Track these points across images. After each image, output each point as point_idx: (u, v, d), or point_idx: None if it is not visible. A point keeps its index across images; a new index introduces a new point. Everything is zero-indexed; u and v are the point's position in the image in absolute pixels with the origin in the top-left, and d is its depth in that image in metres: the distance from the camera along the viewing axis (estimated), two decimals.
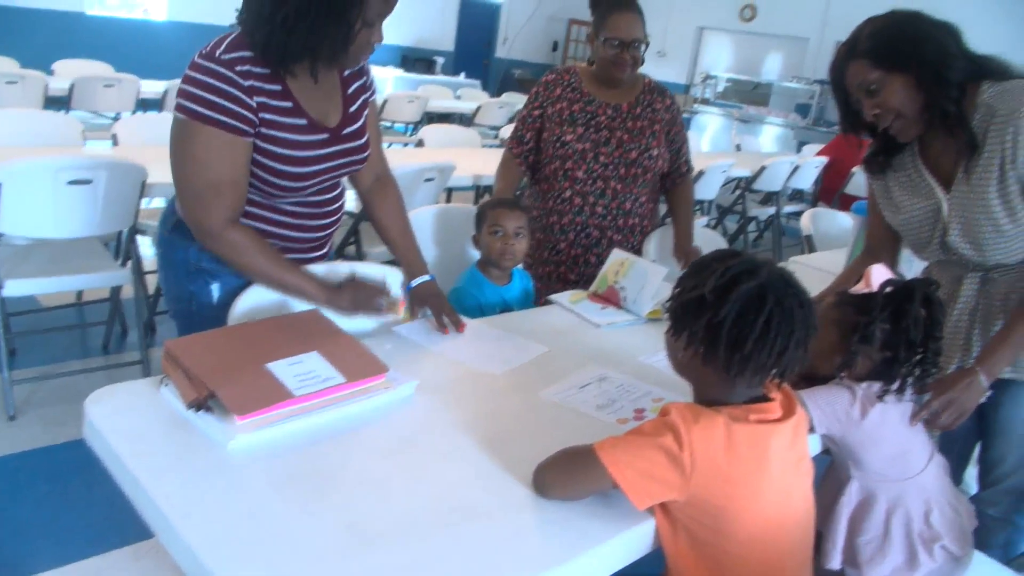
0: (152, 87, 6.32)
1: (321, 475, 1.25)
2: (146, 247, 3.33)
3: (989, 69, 1.74)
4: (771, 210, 6.44)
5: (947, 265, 1.93)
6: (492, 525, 1.18)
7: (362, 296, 1.76)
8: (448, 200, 4.56)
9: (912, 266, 2.14)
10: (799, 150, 8.66)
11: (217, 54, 1.59)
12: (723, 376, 1.24)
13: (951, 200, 1.80)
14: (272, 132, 1.67)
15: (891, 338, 1.56)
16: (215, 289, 1.80)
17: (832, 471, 1.74)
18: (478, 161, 4.23)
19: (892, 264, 2.05)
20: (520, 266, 2.43)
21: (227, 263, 1.71)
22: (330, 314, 1.67)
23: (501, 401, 1.60)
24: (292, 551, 1.07)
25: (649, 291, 2.15)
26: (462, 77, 11.78)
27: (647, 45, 2.55)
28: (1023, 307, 1.75)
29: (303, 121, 1.70)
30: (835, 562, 1.66)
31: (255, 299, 1.76)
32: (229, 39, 1.62)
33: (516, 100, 8.16)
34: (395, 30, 11.95)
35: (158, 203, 3.46)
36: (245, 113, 1.61)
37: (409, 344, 1.82)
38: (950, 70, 1.68)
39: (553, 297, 2.26)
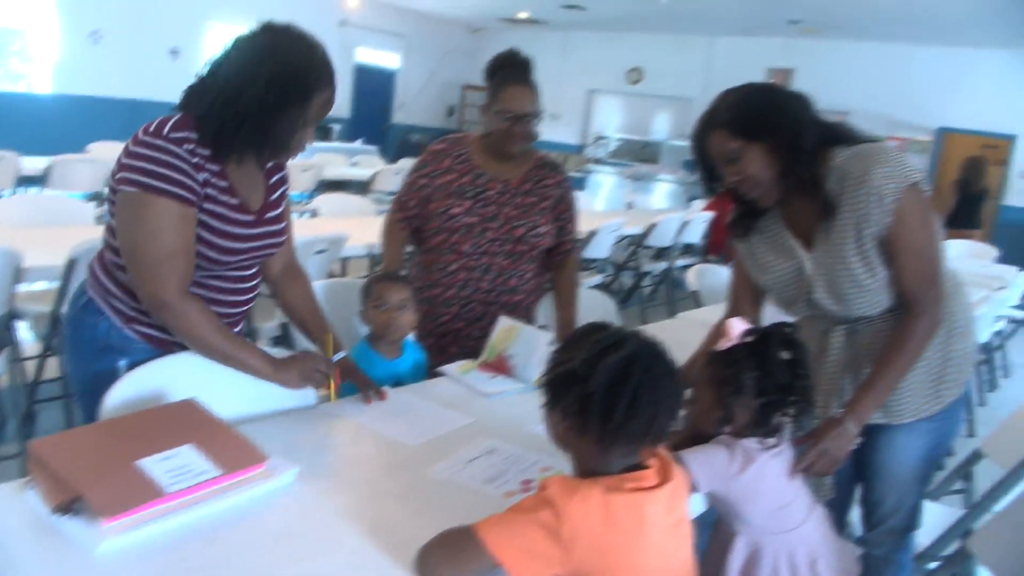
0: (34, 164, 6.11)
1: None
2: (24, 332, 3.19)
3: (839, 135, 1.85)
4: (664, 265, 6.62)
5: (814, 320, 2.02)
6: None
7: (308, 368, 1.83)
8: (343, 270, 4.52)
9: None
10: (689, 205, 8.96)
11: (164, 132, 1.66)
12: (598, 447, 1.27)
13: (813, 259, 1.90)
14: (210, 207, 1.74)
15: (761, 384, 1.61)
16: (123, 367, 1.79)
17: (720, 527, 1.77)
18: (372, 230, 4.19)
19: (756, 319, 2.12)
20: (412, 338, 2.42)
21: (177, 335, 1.74)
22: (205, 404, 1.63)
23: (386, 482, 1.58)
24: None
25: (537, 357, 2.17)
26: (359, 143, 11.81)
27: (540, 119, 2.53)
28: (884, 357, 1.84)
29: (236, 201, 1.78)
30: None
31: (129, 391, 1.70)
32: (173, 121, 1.68)
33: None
34: None
35: (40, 286, 3.32)
36: (193, 186, 1.68)
37: (297, 426, 1.79)
38: (804, 138, 1.78)
39: (443, 368, 2.26)
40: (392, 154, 13.06)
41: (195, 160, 1.68)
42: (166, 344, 1.81)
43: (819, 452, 1.75)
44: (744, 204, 1.95)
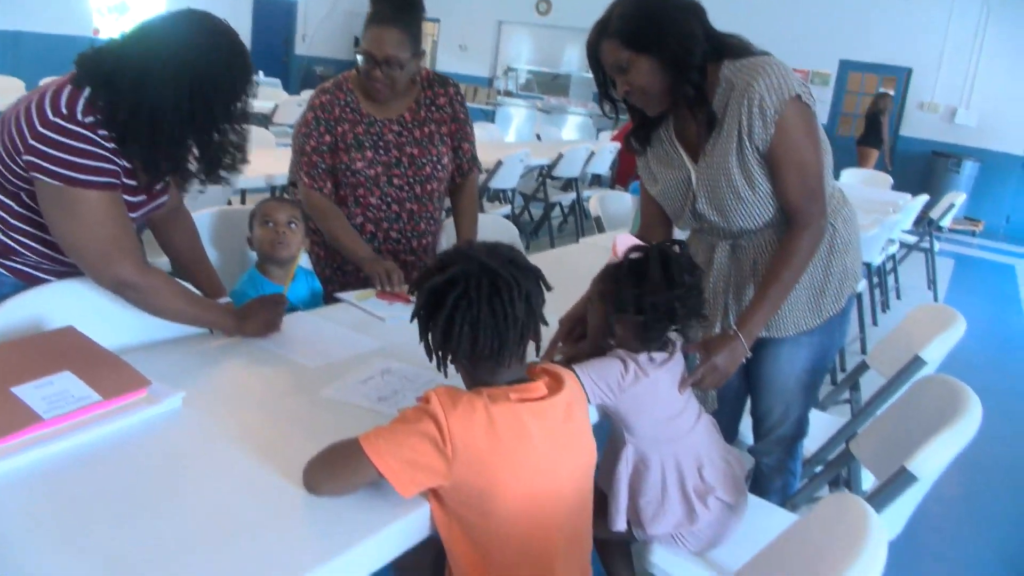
0: None
1: (77, 506, 1.16)
2: None
3: (729, 48, 1.84)
4: (573, 196, 6.66)
5: (701, 234, 2.06)
6: (261, 532, 1.15)
7: (269, 316, 1.87)
8: (243, 201, 4.40)
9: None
10: (598, 137, 8.99)
11: (77, 117, 1.56)
12: (456, 364, 1.32)
13: (698, 171, 1.92)
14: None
15: (640, 302, 1.63)
16: None
17: (612, 438, 1.81)
18: (270, 159, 4.10)
19: (667, 237, 2.15)
20: (310, 267, 2.37)
21: (145, 310, 1.72)
22: (86, 330, 1.57)
23: (277, 405, 1.56)
24: None
25: None
26: (260, 76, 11.41)
27: (409, 64, 2.31)
28: (770, 274, 1.87)
29: (134, 183, 1.71)
30: (620, 524, 1.73)
31: (5, 320, 1.62)
32: (81, 100, 1.57)
33: None
34: None
35: None
36: (115, 169, 1.62)
37: (188, 352, 1.75)
38: (691, 54, 1.77)
39: (340, 295, 2.22)
40: (296, 87, 12.70)
41: (111, 145, 1.60)
42: (36, 280, 1.75)
43: (710, 367, 1.79)
44: (639, 116, 1.96)
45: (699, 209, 1.94)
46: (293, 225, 2.18)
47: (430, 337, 1.30)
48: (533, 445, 1.26)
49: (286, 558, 1.10)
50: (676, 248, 1.68)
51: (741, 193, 1.86)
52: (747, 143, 1.81)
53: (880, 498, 1.60)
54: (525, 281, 1.30)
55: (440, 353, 1.31)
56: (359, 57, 2.32)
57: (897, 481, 1.59)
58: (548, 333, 1.61)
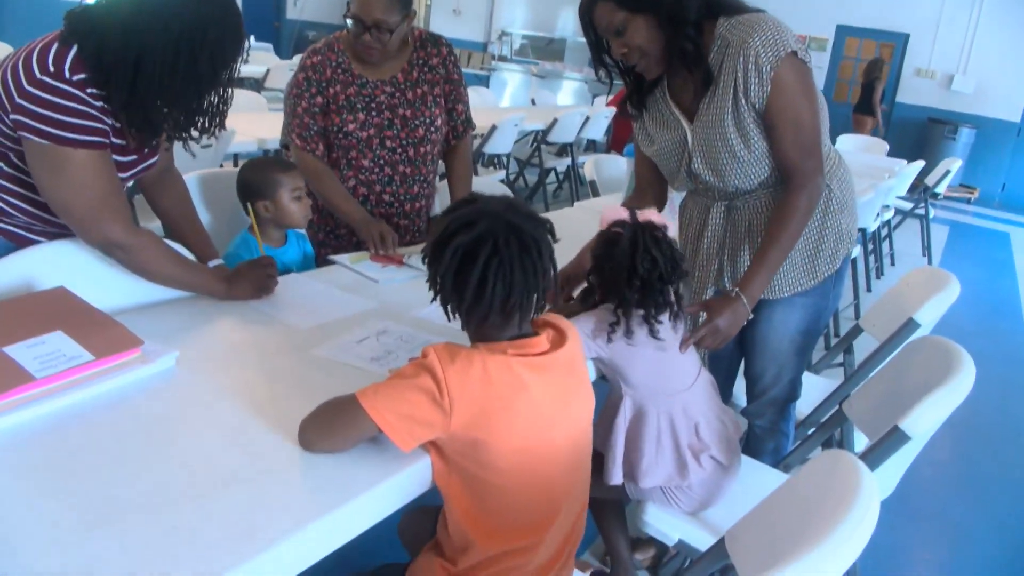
0: None
1: (71, 466, 1.16)
2: None
3: (724, 5, 1.83)
4: (568, 161, 6.62)
5: (697, 196, 2.05)
6: (255, 486, 1.15)
7: (258, 279, 1.87)
8: (235, 164, 4.38)
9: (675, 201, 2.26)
10: (593, 103, 8.93)
11: (65, 75, 1.53)
12: (468, 320, 1.30)
13: (694, 130, 1.91)
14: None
15: (606, 275, 1.67)
16: None
17: (609, 395, 1.82)
18: (263, 124, 4.08)
19: (661, 199, 2.15)
20: (303, 231, 2.36)
21: (132, 271, 1.72)
22: (78, 291, 1.56)
23: (272, 363, 1.56)
24: (27, 539, 1.00)
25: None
26: (251, 40, 11.27)
27: (395, 30, 2.26)
28: (769, 235, 1.86)
29: (122, 142, 1.70)
30: (615, 478, 1.75)
31: None
32: (69, 57, 1.54)
33: None
34: None
35: None
36: (104, 128, 1.61)
37: (181, 313, 1.74)
38: (686, 10, 1.76)
39: (334, 257, 2.22)
40: (288, 51, 12.56)
41: (99, 104, 1.58)
42: (26, 241, 1.73)
43: (711, 329, 1.79)
44: (634, 80, 1.94)
45: (695, 169, 1.93)
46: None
47: (459, 296, 1.27)
48: (531, 397, 1.26)
49: (282, 514, 1.10)
50: (658, 233, 1.66)
51: (737, 152, 1.85)
52: (743, 101, 1.79)
53: (872, 457, 1.61)
54: (544, 234, 1.31)
55: (467, 312, 1.28)
56: (348, 21, 2.29)
57: (890, 440, 1.60)
58: None
